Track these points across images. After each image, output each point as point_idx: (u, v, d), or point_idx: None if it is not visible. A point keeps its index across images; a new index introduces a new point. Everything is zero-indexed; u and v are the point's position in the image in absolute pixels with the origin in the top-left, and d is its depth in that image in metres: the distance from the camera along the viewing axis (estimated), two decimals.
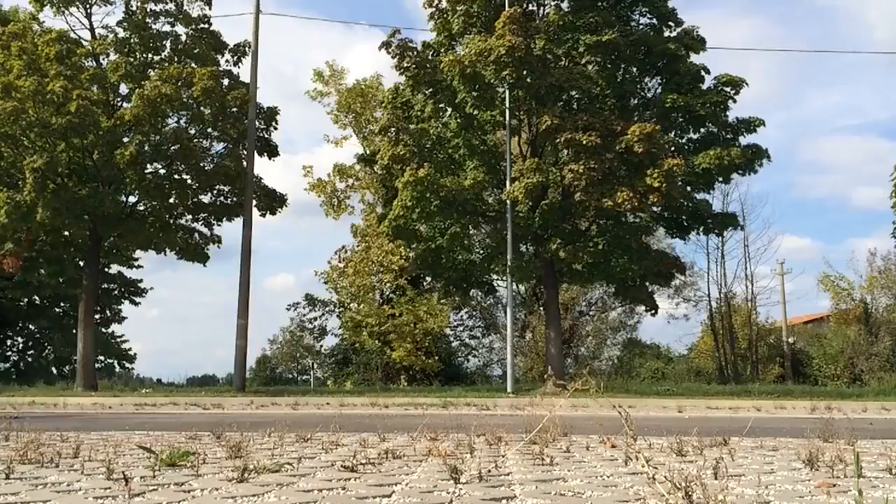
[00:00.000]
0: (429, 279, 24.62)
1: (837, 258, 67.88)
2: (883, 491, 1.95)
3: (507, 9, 15.98)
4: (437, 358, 26.62)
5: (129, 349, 30.88)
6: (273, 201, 19.79)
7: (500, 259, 17.08)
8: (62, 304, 29.21)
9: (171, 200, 18.62)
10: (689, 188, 17.01)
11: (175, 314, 65.84)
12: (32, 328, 29.86)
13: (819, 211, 62.20)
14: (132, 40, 18.92)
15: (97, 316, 25.69)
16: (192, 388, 25.48)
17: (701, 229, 18.12)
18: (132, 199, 18.94)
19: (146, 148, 17.73)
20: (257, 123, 19.30)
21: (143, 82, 18.09)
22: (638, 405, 10.40)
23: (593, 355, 33.53)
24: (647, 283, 18.36)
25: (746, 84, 17.14)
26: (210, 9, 19.77)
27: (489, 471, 2.25)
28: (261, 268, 69.11)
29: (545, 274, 17.14)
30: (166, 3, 19.26)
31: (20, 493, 1.88)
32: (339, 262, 29.12)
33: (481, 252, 19.15)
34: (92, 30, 19.48)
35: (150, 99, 16.94)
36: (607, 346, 34.00)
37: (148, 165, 18.37)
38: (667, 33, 17.74)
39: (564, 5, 17.61)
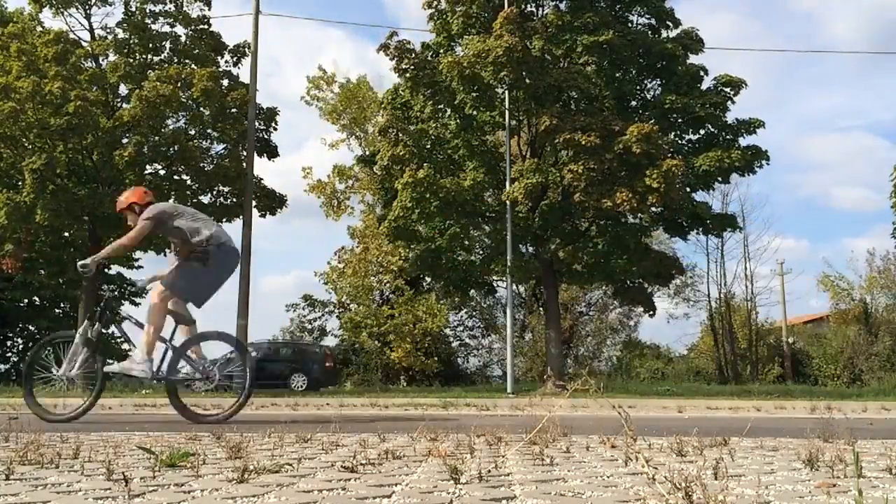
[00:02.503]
0: (428, 280, 24.64)
1: (811, 258, 67.85)
2: (883, 491, 1.95)
3: (505, 9, 16.01)
4: (436, 358, 26.64)
5: (129, 350, 30.84)
6: (273, 202, 19.82)
7: (500, 259, 17.08)
8: (62, 305, 29.19)
9: (171, 201, 18.63)
10: (688, 189, 17.02)
11: None
12: (32, 329, 29.82)
13: (805, 211, 62.21)
14: (131, 41, 18.93)
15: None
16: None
17: (700, 230, 18.14)
18: None
19: (145, 149, 17.72)
20: (257, 124, 19.31)
21: (142, 83, 18.09)
22: (638, 405, 10.40)
23: (593, 355, 33.56)
24: (647, 284, 18.39)
25: (746, 85, 17.18)
26: (210, 9, 19.79)
27: (489, 471, 2.24)
28: (257, 268, 68.96)
29: (545, 274, 17.16)
30: (166, 4, 19.27)
31: (20, 494, 1.87)
32: (339, 262, 29.16)
33: (481, 252, 19.16)
34: (91, 30, 19.49)
35: (149, 100, 16.94)
36: (607, 347, 34.04)
37: (147, 166, 18.37)
38: (665, 34, 17.77)
39: (563, 6, 17.64)
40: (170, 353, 5.79)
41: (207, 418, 5.73)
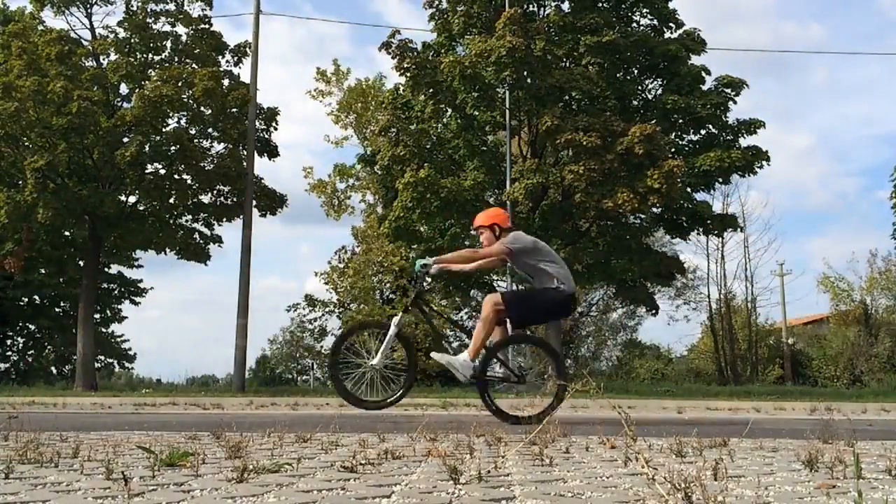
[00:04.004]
0: (428, 280, 24.61)
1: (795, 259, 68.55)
2: (883, 492, 1.95)
3: (507, 9, 16.00)
4: None
5: (129, 349, 30.89)
6: (273, 202, 19.83)
7: None
8: (62, 304, 29.19)
9: (171, 200, 18.63)
10: (689, 189, 17.03)
11: (175, 314, 65.83)
12: (32, 328, 29.84)
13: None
14: (132, 40, 18.94)
15: (97, 316, 25.69)
16: (191, 388, 25.50)
17: (701, 230, 18.14)
18: (132, 199, 18.95)
19: (146, 148, 17.74)
20: (257, 124, 19.32)
21: (143, 82, 18.11)
22: (638, 406, 10.41)
23: (593, 356, 33.54)
24: (648, 284, 18.39)
25: (747, 85, 17.18)
26: (210, 9, 19.80)
27: (489, 471, 2.24)
28: (255, 267, 68.87)
29: None
30: (167, 4, 19.29)
31: (20, 493, 1.87)
32: (339, 262, 29.17)
33: None
34: (92, 30, 19.51)
35: (150, 99, 16.96)
36: (607, 347, 34.00)
37: (148, 165, 18.39)
38: (668, 34, 17.77)
39: (565, 6, 17.64)
40: (483, 354, 5.74)
41: (521, 419, 5.68)
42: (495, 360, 5.77)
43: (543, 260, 5.79)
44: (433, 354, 5.83)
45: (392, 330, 5.77)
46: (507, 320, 5.83)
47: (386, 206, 19.50)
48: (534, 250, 5.82)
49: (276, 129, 20.29)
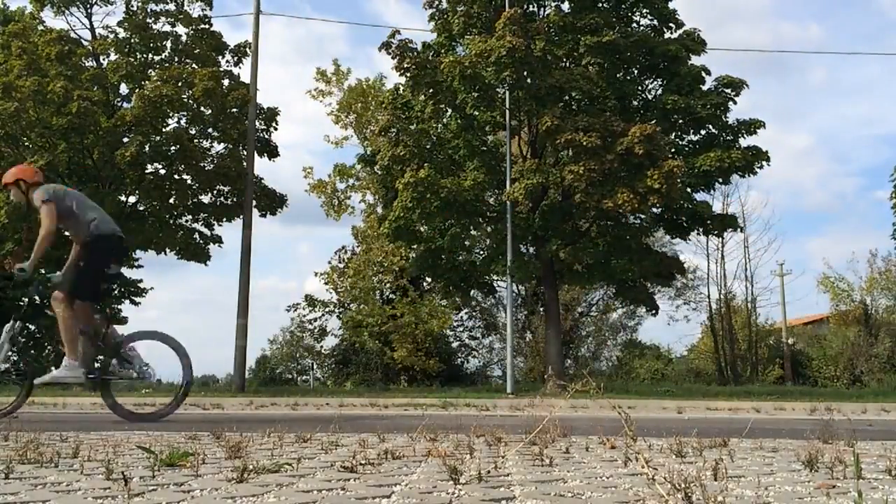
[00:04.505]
0: (428, 280, 24.63)
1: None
2: (883, 492, 1.95)
3: (507, 9, 15.99)
4: (437, 359, 26.61)
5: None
6: (273, 202, 19.84)
7: (501, 260, 17.08)
8: None
9: (171, 200, 18.65)
10: (689, 189, 17.02)
11: (175, 314, 65.78)
12: (32, 328, 29.83)
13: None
14: (132, 40, 18.95)
15: (97, 316, 25.68)
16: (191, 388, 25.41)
17: (700, 230, 18.13)
18: (132, 199, 18.96)
19: (146, 148, 17.75)
20: (257, 124, 19.32)
21: (143, 83, 18.11)
22: (638, 406, 10.40)
23: (593, 356, 33.51)
24: (648, 284, 18.38)
25: (747, 86, 17.17)
26: (210, 9, 19.82)
27: (489, 471, 2.24)
28: (257, 268, 68.83)
29: (545, 274, 17.15)
30: (167, 4, 19.30)
31: (20, 493, 1.87)
32: (339, 262, 29.15)
33: (481, 252, 19.14)
34: (92, 30, 19.54)
35: (150, 99, 16.96)
36: (607, 347, 33.97)
37: (148, 166, 18.39)
38: (668, 34, 17.76)
39: (565, 6, 17.63)
40: (101, 353, 5.74)
41: (144, 416, 5.72)
42: (115, 358, 5.74)
43: (80, 206, 5.73)
44: (38, 380, 5.88)
45: (3, 336, 5.81)
46: (87, 303, 5.77)
47: (386, 206, 19.49)
48: (67, 197, 5.77)
49: (276, 129, 20.32)
